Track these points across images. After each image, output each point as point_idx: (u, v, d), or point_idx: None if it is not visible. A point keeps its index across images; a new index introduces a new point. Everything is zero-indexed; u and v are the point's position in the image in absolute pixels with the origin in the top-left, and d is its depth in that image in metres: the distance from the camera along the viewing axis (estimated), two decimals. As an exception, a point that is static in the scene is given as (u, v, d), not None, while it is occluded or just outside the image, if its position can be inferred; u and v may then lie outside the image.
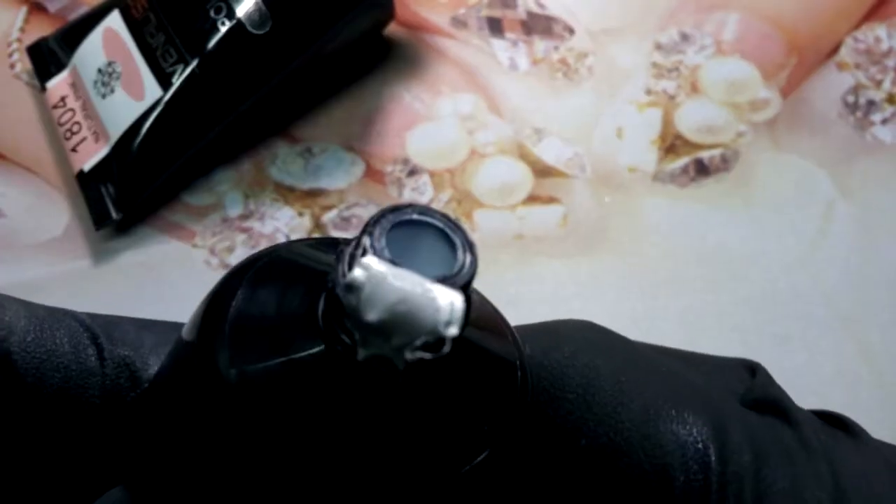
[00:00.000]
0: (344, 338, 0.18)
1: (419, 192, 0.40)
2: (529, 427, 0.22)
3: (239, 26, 0.38)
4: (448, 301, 0.17)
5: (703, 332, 0.37)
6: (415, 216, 0.19)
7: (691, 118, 0.42)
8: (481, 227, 0.39)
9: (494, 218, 0.40)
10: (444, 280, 0.18)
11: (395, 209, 0.19)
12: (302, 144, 0.41)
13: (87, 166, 0.39)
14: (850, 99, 0.42)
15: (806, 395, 0.36)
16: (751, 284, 0.38)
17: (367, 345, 0.17)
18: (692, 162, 0.41)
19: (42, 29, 0.43)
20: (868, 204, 0.40)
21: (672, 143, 0.41)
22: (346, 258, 0.18)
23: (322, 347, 0.19)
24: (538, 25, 0.44)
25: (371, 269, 0.17)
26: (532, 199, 0.40)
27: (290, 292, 0.20)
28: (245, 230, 0.39)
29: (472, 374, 0.20)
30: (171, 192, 0.40)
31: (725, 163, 0.41)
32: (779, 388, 0.26)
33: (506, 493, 0.21)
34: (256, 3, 0.38)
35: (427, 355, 0.17)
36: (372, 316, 0.17)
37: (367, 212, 0.39)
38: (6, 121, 0.41)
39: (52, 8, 0.44)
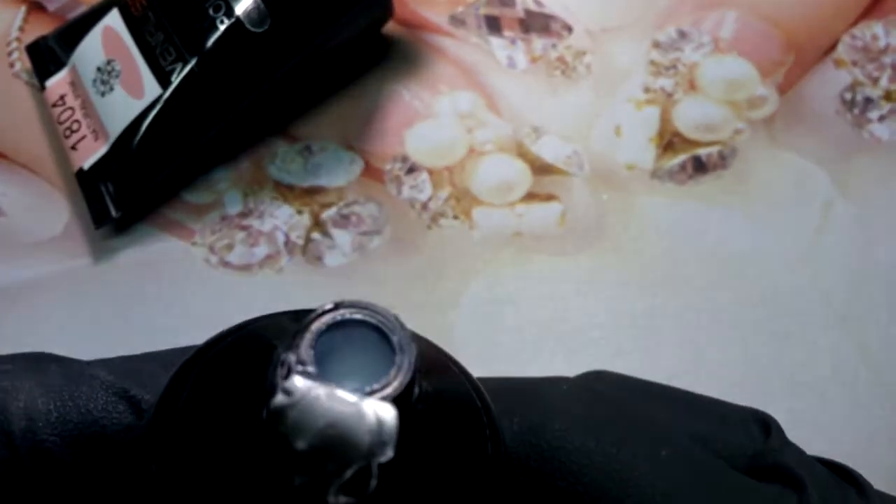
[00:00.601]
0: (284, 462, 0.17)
1: (418, 190, 0.40)
2: (506, 490, 0.20)
3: (238, 24, 0.37)
4: (377, 417, 0.16)
5: (701, 330, 0.37)
6: (347, 316, 0.17)
7: (689, 116, 0.42)
8: (480, 224, 0.40)
9: (493, 216, 0.40)
10: (375, 393, 0.16)
11: (326, 311, 0.17)
12: (301, 143, 0.41)
13: (86, 165, 0.39)
14: (848, 96, 0.42)
15: (804, 393, 0.36)
16: (749, 282, 0.39)
17: (301, 473, 0.16)
18: (690, 159, 0.41)
19: (41, 28, 0.43)
20: (866, 201, 0.40)
21: (670, 141, 0.41)
22: (277, 373, 0.17)
23: (268, 465, 0.17)
24: (536, 24, 0.44)
25: (295, 392, 0.16)
26: (530, 196, 0.40)
27: (239, 391, 0.19)
28: (244, 228, 0.39)
29: (432, 447, 0.19)
30: (170, 191, 0.40)
31: (723, 160, 0.41)
32: (792, 450, 0.25)
33: None
34: (255, 2, 0.38)
35: (350, 500, 0.16)
36: (301, 444, 0.16)
37: (365, 210, 0.39)
38: (6, 120, 0.42)
39: (51, 7, 0.44)
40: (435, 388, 0.19)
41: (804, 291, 0.38)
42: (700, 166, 0.41)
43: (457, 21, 0.44)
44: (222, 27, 0.38)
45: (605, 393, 0.24)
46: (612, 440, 0.22)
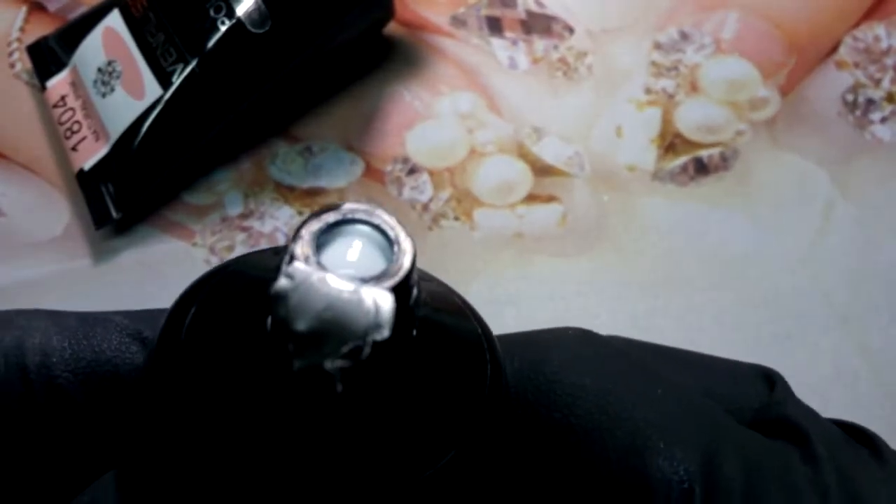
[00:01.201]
0: (284, 348, 0.17)
1: (419, 191, 0.40)
2: (503, 427, 0.21)
3: (239, 25, 0.37)
4: (374, 302, 0.17)
5: (702, 331, 0.37)
6: (347, 216, 0.18)
7: (691, 117, 0.42)
8: (481, 225, 0.39)
9: (494, 217, 0.40)
10: (373, 280, 0.17)
11: (326, 210, 0.18)
12: (302, 143, 0.41)
13: (87, 165, 0.39)
14: (850, 98, 0.42)
15: (805, 393, 0.36)
16: (750, 283, 0.38)
17: (300, 355, 0.17)
18: (691, 161, 0.41)
19: (42, 28, 0.43)
20: (867, 202, 0.40)
21: (671, 142, 0.41)
22: (281, 267, 0.17)
23: (269, 361, 0.18)
24: (538, 25, 0.44)
25: (296, 275, 0.17)
26: (531, 197, 0.40)
27: (243, 307, 0.19)
28: (245, 229, 0.39)
29: (431, 371, 0.19)
30: (170, 192, 0.40)
31: (725, 162, 0.41)
32: (797, 404, 0.24)
33: (476, 498, 0.20)
34: (256, 3, 0.37)
35: (346, 363, 0.17)
36: (301, 325, 0.17)
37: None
38: (6, 120, 0.41)
39: (51, 7, 0.44)
40: (440, 315, 0.20)
41: (805, 292, 0.38)
42: (701, 168, 0.41)
43: (458, 22, 0.44)
44: (223, 28, 0.37)
45: (609, 341, 0.24)
46: (607, 377, 0.23)
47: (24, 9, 0.44)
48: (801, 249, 0.39)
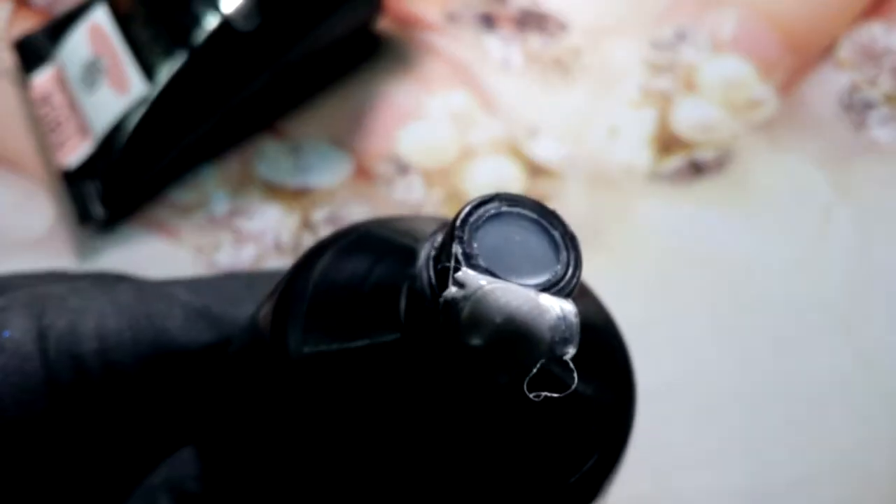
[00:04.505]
0: (436, 349, 0.16)
1: (410, 191, 0.39)
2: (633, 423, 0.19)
3: (227, 22, 0.37)
4: (560, 315, 0.15)
5: (698, 335, 0.37)
6: (504, 209, 0.16)
7: (687, 117, 0.41)
8: (473, 226, 0.39)
9: (486, 217, 0.39)
10: (551, 288, 0.15)
11: (482, 203, 0.16)
12: (291, 142, 0.40)
13: (72, 163, 0.38)
14: (847, 98, 0.42)
15: (801, 398, 0.36)
16: (746, 286, 0.38)
17: (474, 371, 0.15)
18: (687, 162, 0.40)
19: (27, 24, 0.42)
20: (866, 205, 0.40)
21: (667, 143, 0.41)
22: (431, 265, 0.16)
23: (398, 339, 0.16)
24: (531, 22, 0.43)
25: (469, 284, 0.15)
26: (524, 198, 0.39)
27: (372, 277, 0.18)
28: (232, 228, 0.38)
29: (582, 373, 0.17)
30: (156, 190, 0.39)
31: (721, 163, 0.40)
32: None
33: None
34: (245, -2, 0.37)
35: (554, 395, 0.15)
36: (476, 340, 0.15)
37: (357, 211, 0.39)
38: (-10, 117, 0.41)
39: (37, 3, 0.43)
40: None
41: (802, 296, 0.38)
42: (697, 169, 0.40)
43: (450, 18, 0.43)
44: (211, 25, 0.37)
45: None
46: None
47: (9, 5, 0.43)
48: (798, 252, 0.39)
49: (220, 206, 0.39)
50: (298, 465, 0.17)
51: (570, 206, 0.39)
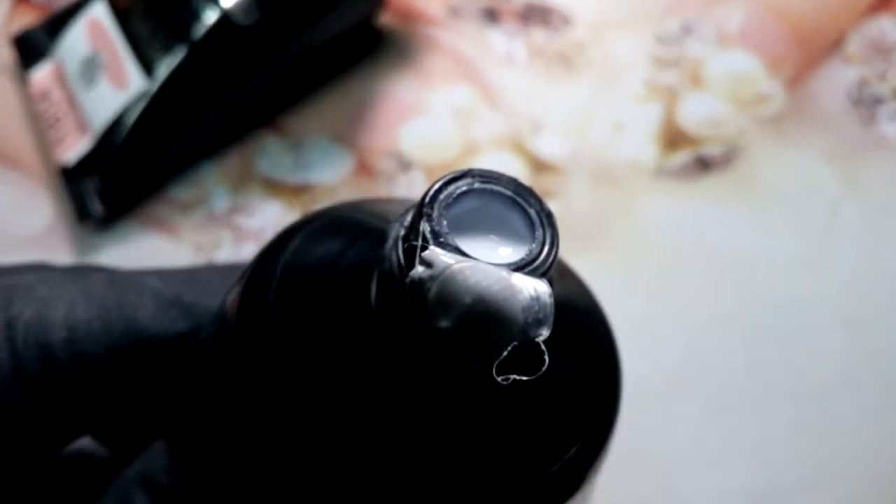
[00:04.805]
0: (405, 332, 0.15)
1: (413, 187, 0.39)
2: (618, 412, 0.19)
3: (226, 17, 0.37)
4: (533, 295, 0.14)
5: (703, 332, 0.36)
6: (477, 185, 0.16)
7: (693, 112, 0.41)
8: (475, 223, 0.38)
9: (489, 214, 0.39)
10: (524, 267, 0.15)
11: (453, 179, 0.16)
12: (291, 138, 0.40)
13: (70, 160, 0.38)
14: (856, 93, 0.41)
15: (806, 396, 0.35)
16: (752, 283, 0.37)
17: (443, 354, 0.14)
18: (693, 157, 0.40)
19: (26, 19, 0.42)
20: (874, 201, 0.39)
21: (673, 138, 0.40)
22: (399, 245, 0.15)
23: (367, 324, 0.16)
24: (535, 16, 0.43)
25: (436, 264, 0.14)
26: (528, 194, 0.39)
27: (343, 260, 0.17)
28: (232, 225, 0.38)
29: (562, 357, 0.17)
30: (156, 187, 0.39)
31: (728, 158, 0.40)
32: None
33: None
34: (245, -8, 0.37)
35: (523, 378, 0.14)
36: (444, 322, 0.14)
37: (358, 207, 0.38)
38: (-12, 113, 0.41)
39: (36, -2, 0.43)
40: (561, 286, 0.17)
41: (809, 293, 0.37)
42: (704, 164, 0.40)
43: (453, 12, 0.43)
44: (211, 19, 0.37)
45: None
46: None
47: (8, 0, 0.43)
48: (805, 248, 0.38)
49: (220, 202, 0.38)
50: (267, 454, 0.17)
51: (574, 202, 0.39)
